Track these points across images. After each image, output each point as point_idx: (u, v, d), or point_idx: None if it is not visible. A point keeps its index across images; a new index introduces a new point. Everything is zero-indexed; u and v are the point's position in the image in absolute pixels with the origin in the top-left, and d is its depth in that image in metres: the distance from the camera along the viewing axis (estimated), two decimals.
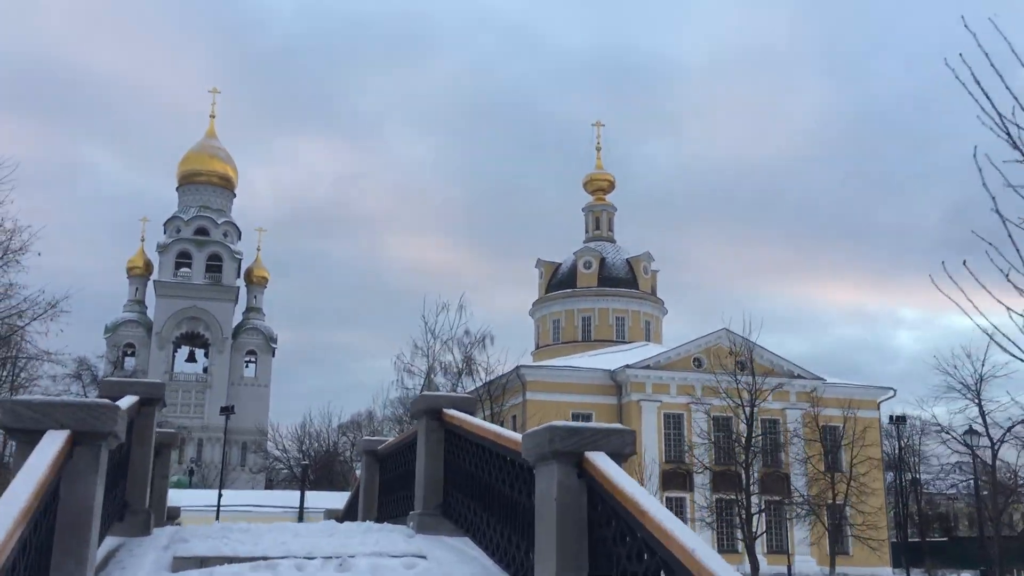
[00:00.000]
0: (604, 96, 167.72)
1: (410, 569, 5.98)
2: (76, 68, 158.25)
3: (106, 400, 4.46)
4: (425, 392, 8.73)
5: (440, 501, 7.69)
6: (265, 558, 6.16)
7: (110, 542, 6.67)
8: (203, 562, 6.15)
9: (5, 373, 33.83)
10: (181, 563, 6.12)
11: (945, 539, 76.53)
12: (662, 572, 3.82)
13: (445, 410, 7.69)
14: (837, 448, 56.99)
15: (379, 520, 10.05)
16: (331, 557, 6.17)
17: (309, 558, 6.18)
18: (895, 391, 70.37)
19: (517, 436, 5.84)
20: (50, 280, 24.72)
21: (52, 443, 4.07)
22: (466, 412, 7.65)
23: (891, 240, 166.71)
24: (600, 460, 4.55)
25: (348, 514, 12.95)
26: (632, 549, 4.16)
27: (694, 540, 3.51)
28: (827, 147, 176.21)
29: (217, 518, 47.84)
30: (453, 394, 7.70)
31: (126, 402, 6.65)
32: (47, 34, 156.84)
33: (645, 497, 4.02)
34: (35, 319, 23.97)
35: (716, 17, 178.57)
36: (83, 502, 4.38)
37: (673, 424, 67.71)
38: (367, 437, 10.96)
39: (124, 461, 6.97)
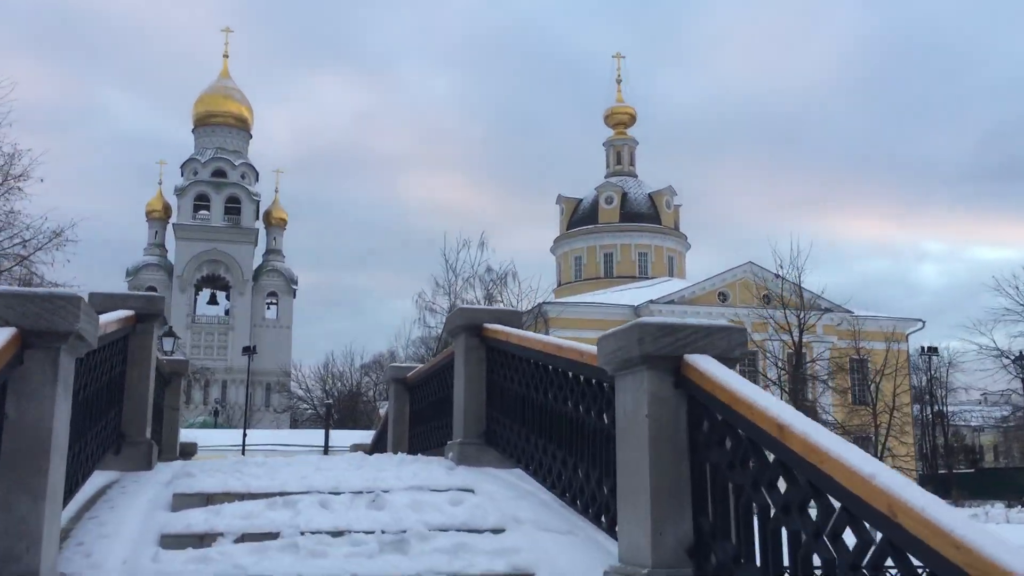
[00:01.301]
0: (625, 26, 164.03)
1: (457, 506, 5.00)
2: (88, 7, 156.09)
3: (67, 290, 3.45)
4: (463, 306, 7.70)
5: (483, 428, 6.72)
6: (282, 493, 5.18)
7: (101, 478, 5.74)
8: (209, 499, 5.17)
9: None
10: (182, 500, 5.15)
11: (972, 470, 75.95)
12: (813, 501, 2.80)
13: (487, 325, 6.67)
14: (866, 381, 56.04)
15: (411, 453, 9.13)
16: (361, 492, 5.19)
17: (335, 493, 5.20)
18: (924, 323, 69.24)
19: (584, 346, 4.80)
20: (62, 216, 23.80)
21: None
22: (512, 327, 6.63)
23: (919, 171, 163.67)
24: (706, 363, 3.51)
25: (376, 448, 12.10)
26: (760, 476, 3.15)
27: (871, 463, 2.48)
28: (856, 75, 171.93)
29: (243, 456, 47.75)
30: (496, 307, 6.76)
31: (118, 315, 5.67)
32: None
33: (779, 406, 2.99)
34: (39, 249, 22.95)
35: None
36: (38, 421, 3.38)
37: None
38: (395, 364, 9.95)
39: (117, 384, 6.02)
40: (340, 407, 72.68)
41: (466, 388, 6.72)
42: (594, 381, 4.64)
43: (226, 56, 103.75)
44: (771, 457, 3.07)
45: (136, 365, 6.34)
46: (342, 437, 56.88)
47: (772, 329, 49.15)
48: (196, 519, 4.67)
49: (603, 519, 4.47)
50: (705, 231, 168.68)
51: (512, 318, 6.86)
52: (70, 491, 4.71)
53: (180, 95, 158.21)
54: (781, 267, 46.79)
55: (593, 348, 4.78)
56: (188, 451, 11.52)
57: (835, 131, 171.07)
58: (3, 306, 3.28)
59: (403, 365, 10.01)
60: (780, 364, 49.96)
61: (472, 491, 5.35)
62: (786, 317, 46.46)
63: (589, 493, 4.69)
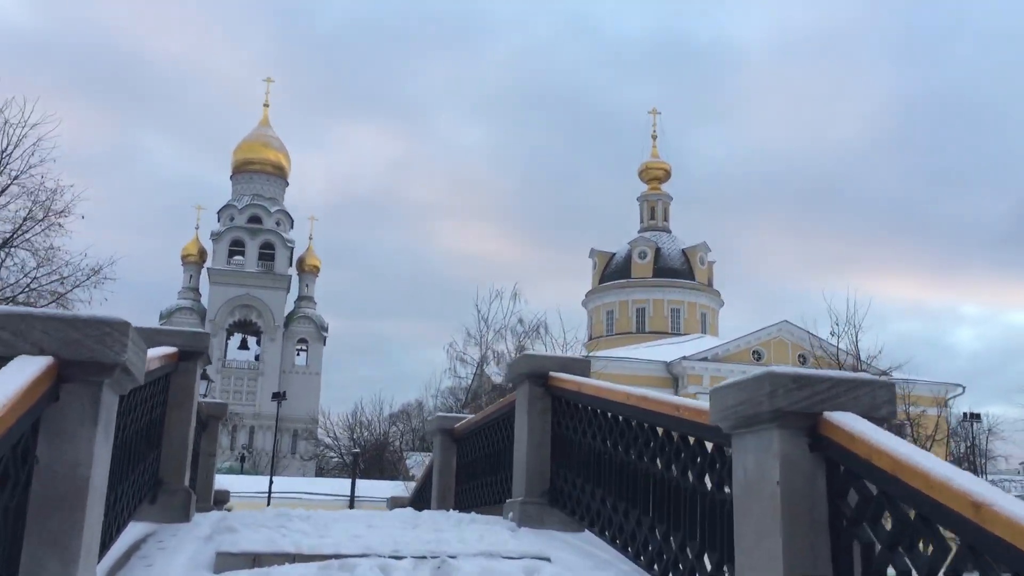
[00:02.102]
0: (661, 82, 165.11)
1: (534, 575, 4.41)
2: (131, 52, 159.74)
3: (113, 316, 2.98)
4: (528, 352, 7.18)
5: (547, 487, 6.13)
6: (337, 556, 4.60)
7: (136, 530, 5.21)
8: (256, 560, 4.59)
9: None
10: (227, 561, 4.58)
11: None
12: None
13: (553, 374, 6.15)
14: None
15: (459, 509, 8.54)
16: (425, 556, 4.61)
17: (396, 557, 4.61)
18: (964, 388, 67.67)
19: (680, 399, 4.26)
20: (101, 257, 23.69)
21: (21, 373, 2.59)
22: (581, 375, 6.10)
23: (954, 234, 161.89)
24: (855, 423, 2.96)
25: (416, 503, 11.50)
26: (937, 562, 2.58)
27: None
28: (892, 135, 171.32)
29: (268, 504, 47.09)
30: (562, 355, 6.27)
31: (161, 351, 5.20)
32: (105, 18, 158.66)
33: (966, 477, 2.44)
34: (77, 286, 22.75)
35: None
36: (74, 468, 2.87)
37: None
38: (441, 413, 9.41)
39: (157, 426, 5.52)
40: (367, 456, 71.99)
41: (529, 441, 6.17)
42: (692, 440, 4.10)
43: (266, 105, 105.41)
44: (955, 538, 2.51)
45: (178, 406, 5.83)
46: (369, 487, 56.12)
47: None
48: None
49: None
50: (737, 288, 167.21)
51: (581, 367, 6.33)
52: (104, 545, 4.22)
53: (219, 141, 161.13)
54: (837, 324, 44.99)
55: (689, 402, 4.23)
56: (221, 499, 11.03)
57: (870, 190, 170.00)
58: (40, 331, 2.77)
59: (450, 415, 9.48)
60: None
61: (548, 559, 4.74)
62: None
63: (687, 568, 4.10)
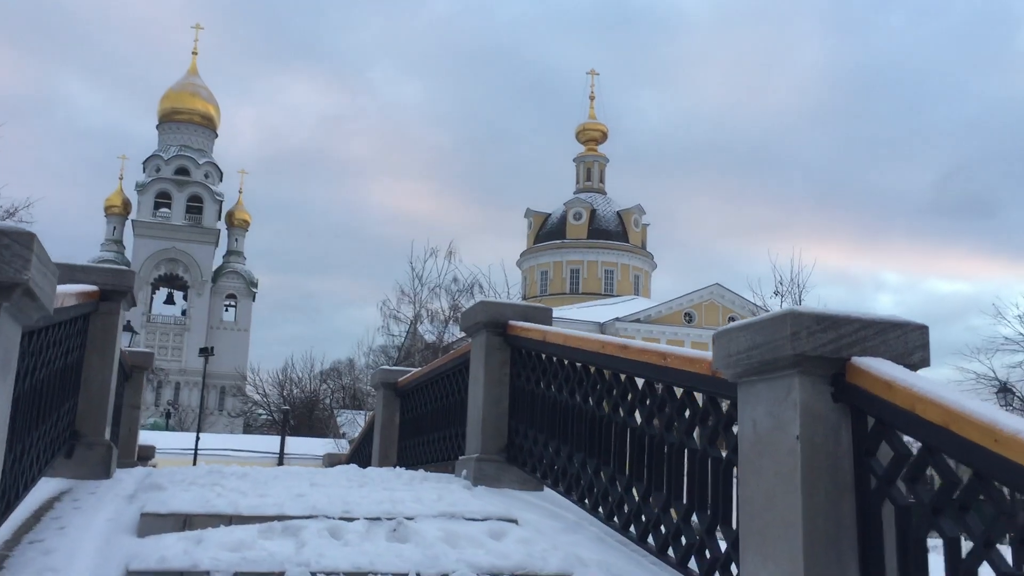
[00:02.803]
0: (600, 44, 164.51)
1: (500, 540, 3.93)
2: None
3: (12, 225, 2.40)
4: (485, 300, 6.62)
5: (505, 443, 5.69)
6: (280, 517, 4.09)
7: (49, 487, 4.61)
8: (187, 522, 4.03)
9: None
10: (153, 523, 4.01)
11: None
12: None
13: (513, 323, 5.71)
14: None
15: (403, 467, 8.09)
16: (379, 519, 4.13)
17: (347, 519, 4.12)
18: None
19: (665, 347, 3.86)
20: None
21: None
22: (543, 324, 5.68)
23: (878, 203, 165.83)
24: (891, 369, 2.59)
25: (354, 460, 11.01)
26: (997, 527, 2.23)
27: None
28: (822, 105, 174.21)
29: (195, 463, 46.05)
30: (521, 303, 5.82)
31: (78, 288, 4.56)
32: None
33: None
34: None
35: None
36: None
37: None
38: (385, 367, 8.90)
39: (74, 372, 4.88)
40: (296, 414, 71.11)
41: (485, 395, 5.73)
42: (679, 391, 3.70)
43: (195, 53, 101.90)
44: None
45: (97, 351, 5.18)
46: (299, 444, 55.31)
47: None
48: (173, 550, 3.55)
49: (699, 565, 3.48)
50: (671, 251, 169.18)
51: (542, 315, 5.90)
52: (8, 504, 3.66)
53: (145, 90, 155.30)
54: (781, 283, 45.51)
55: (677, 349, 3.83)
56: (146, 455, 10.39)
57: (800, 158, 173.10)
58: None
59: (394, 369, 8.98)
60: None
61: (515, 521, 4.31)
62: None
63: (671, 530, 3.73)
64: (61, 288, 4.01)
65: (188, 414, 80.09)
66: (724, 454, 3.43)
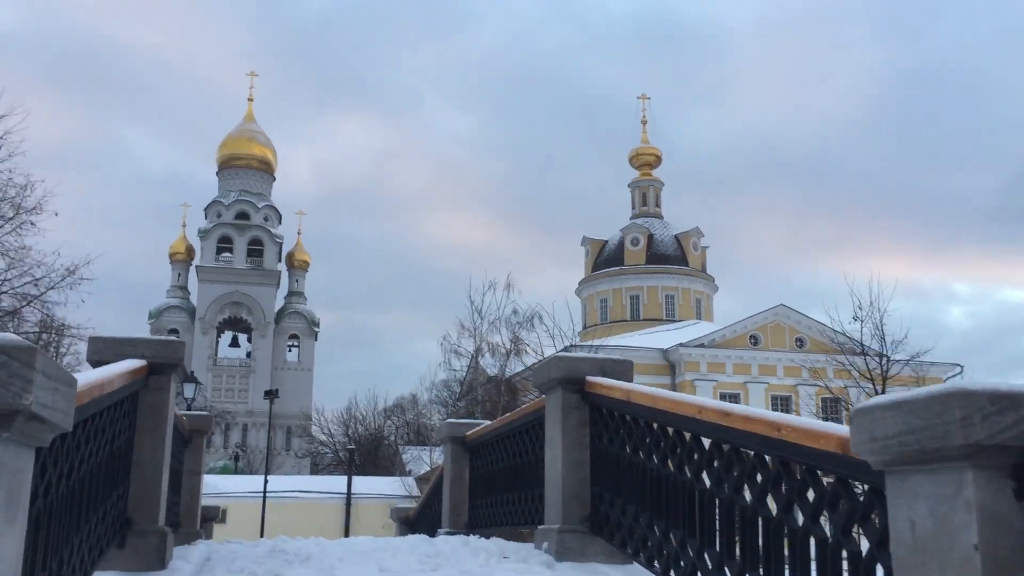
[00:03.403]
0: (649, 64, 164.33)
1: None
2: (113, 45, 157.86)
3: (11, 338, 2.02)
4: (560, 354, 6.06)
5: (587, 512, 5.20)
6: None
7: None
8: None
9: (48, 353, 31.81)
10: None
11: None
12: None
13: (591, 379, 5.24)
14: None
15: (470, 528, 7.62)
16: None
17: None
18: (962, 368, 67.24)
19: (782, 417, 3.35)
20: (82, 254, 22.39)
21: None
22: (622, 380, 5.19)
23: (944, 210, 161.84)
24: None
25: (422, 516, 10.57)
26: None
27: None
28: (880, 112, 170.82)
29: (263, 504, 46.11)
30: (598, 356, 5.33)
31: (123, 367, 4.26)
32: (86, 9, 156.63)
33: None
34: (52, 288, 21.40)
35: None
36: None
37: (730, 403, 65.68)
38: (452, 420, 8.47)
39: (123, 457, 4.56)
40: (362, 452, 71.21)
41: (564, 458, 5.26)
42: (799, 468, 3.18)
43: (251, 100, 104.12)
44: None
45: (148, 431, 4.86)
46: (366, 484, 55.25)
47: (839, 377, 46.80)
48: None
49: None
50: (730, 272, 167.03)
51: (622, 369, 5.41)
52: None
53: (204, 135, 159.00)
54: (860, 307, 43.79)
55: (791, 419, 3.31)
56: (210, 516, 10.07)
57: (860, 168, 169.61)
58: None
59: (461, 421, 8.54)
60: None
61: None
62: (866, 364, 43.48)
63: None
64: (104, 371, 3.66)
65: (256, 456, 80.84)
66: (865, 548, 2.90)
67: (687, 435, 4.16)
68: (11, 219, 20.29)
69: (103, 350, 4.76)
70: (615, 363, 5.47)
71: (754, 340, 65.33)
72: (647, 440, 4.58)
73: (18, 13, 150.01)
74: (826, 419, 64.93)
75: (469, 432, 8.25)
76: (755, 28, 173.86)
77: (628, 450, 4.82)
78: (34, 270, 21.08)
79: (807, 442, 3.10)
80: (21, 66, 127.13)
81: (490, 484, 7.52)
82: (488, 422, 8.74)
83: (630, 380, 5.41)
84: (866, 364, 43.77)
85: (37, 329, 24.89)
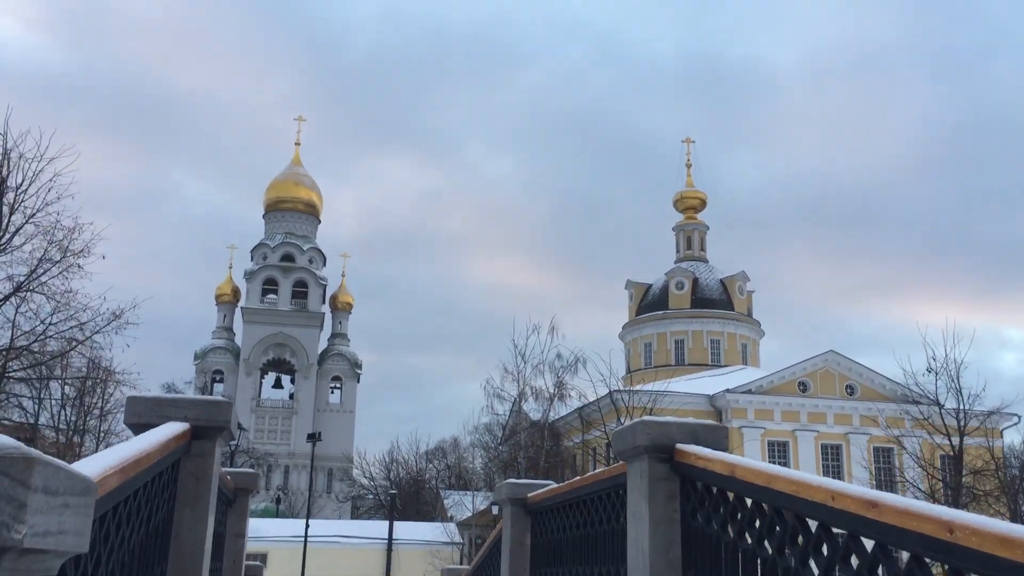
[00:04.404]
0: (693, 106, 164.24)
1: None
2: (163, 89, 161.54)
3: (7, 443, 1.53)
4: (646, 419, 5.45)
5: None
6: None
7: None
8: None
9: (94, 398, 31.77)
10: None
11: None
12: None
13: (682, 447, 4.64)
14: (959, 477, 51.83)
15: None
16: None
17: None
18: (1020, 417, 65.01)
19: (955, 514, 2.73)
20: (129, 297, 22.29)
21: None
22: (716, 448, 4.59)
23: (995, 256, 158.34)
24: None
25: None
26: None
27: None
28: (930, 156, 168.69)
29: (304, 552, 45.58)
30: (689, 422, 4.77)
31: (162, 435, 3.75)
32: (138, 54, 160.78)
33: None
34: (97, 332, 21.23)
35: (814, 20, 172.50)
36: None
37: (778, 452, 64.35)
38: (512, 480, 7.86)
39: (161, 536, 4.04)
40: (403, 495, 70.54)
41: (651, 538, 4.65)
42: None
43: (298, 144, 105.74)
44: None
45: (190, 502, 4.33)
46: (407, 530, 54.54)
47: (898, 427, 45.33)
48: None
49: None
50: (777, 316, 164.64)
51: (715, 436, 4.80)
52: None
53: (250, 177, 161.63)
54: (934, 359, 42.18)
55: (964, 516, 2.70)
56: (255, 574, 9.52)
57: (909, 213, 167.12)
58: None
59: (522, 482, 7.94)
60: (928, 468, 44.87)
61: None
62: (942, 416, 42.03)
63: None
64: (139, 444, 3.16)
65: (298, 498, 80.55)
66: None
67: (816, 524, 3.55)
68: (58, 262, 20.24)
69: (143, 412, 4.29)
70: (708, 429, 4.85)
71: (803, 387, 63.92)
72: (757, 523, 3.96)
73: (72, 57, 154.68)
74: (879, 470, 62.81)
75: (531, 494, 7.63)
76: (803, 69, 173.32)
77: (732, 534, 4.20)
78: (80, 314, 20.95)
79: (994, 550, 2.47)
80: (74, 109, 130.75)
81: (556, 554, 6.90)
82: (551, 482, 8.13)
83: (725, 447, 4.79)
84: (941, 417, 42.32)
85: (83, 373, 24.81)
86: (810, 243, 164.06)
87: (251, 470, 9.38)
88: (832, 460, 63.63)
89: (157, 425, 4.16)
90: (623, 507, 5.45)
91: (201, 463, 4.53)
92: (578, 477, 6.50)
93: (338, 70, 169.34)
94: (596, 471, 6.39)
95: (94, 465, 2.34)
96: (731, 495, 4.26)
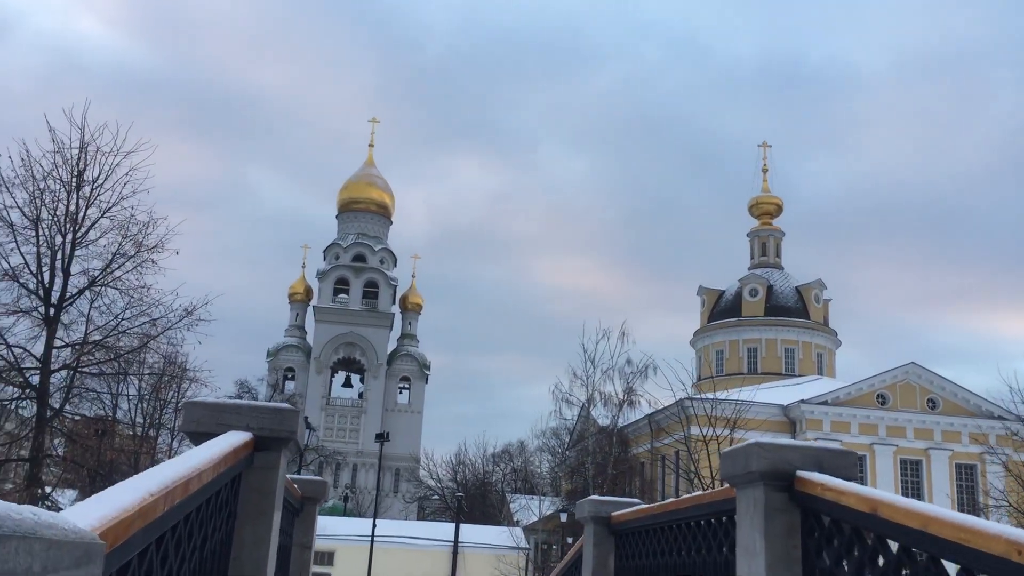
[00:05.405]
0: (769, 107, 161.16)
1: None
2: (241, 89, 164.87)
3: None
4: (761, 441, 4.91)
5: None
6: None
7: None
8: None
9: (169, 393, 32.16)
10: None
11: None
12: None
13: (803, 475, 4.05)
14: None
15: None
16: None
17: None
18: None
19: None
20: (202, 293, 22.28)
21: None
22: (844, 478, 3.99)
23: None
24: None
25: None
26: None
27: None
28: (1018, 162, 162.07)
29: (371, 552, 45.63)
30: (812, 446, 4.23)
31: (221, 448, 3.31)
32: (216, 54, 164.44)
33: None
34: (169, 328, 21.23)
35: (898, 19, 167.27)
36: None
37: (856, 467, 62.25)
38: (595, 497, 7.30)
39: (218, 557, 3.62)
40: (469, 497, 70.35)
41: (768, 574, 4.07)
42: None
43: (371, 145, 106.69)
44: None
45: (251, 520, 3.88)
46: (473, 533, 54.27)
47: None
48: None
49: None
50: (853, 325, 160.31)
51: (843, 464, 4.19)
52: None
53: (323, 176, 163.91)
54: None
55: None
56: None
57: (995, 219, 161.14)
58: None
59: (606, 499, 7.38)
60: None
61: None
62: None
63: None
64: (197, 456, 2.69)
65: (365, 496, 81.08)
66: None
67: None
68: (132, 257, 20.31)
69: (202, 419, 3.88)
70: (834, 456, 4.23)
71: (882, 399, 61.88)
72: (906, 571, 3.36)
73: (151, 55, 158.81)
74: (959, 487, 60.20)
75: (616, 513, 7.06)
76: (887, 71, 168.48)
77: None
78: (152, 310, 21.00)
79: None
80: (153, 106, 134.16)
81: None
82: (637, 501, 7.55)
83: (853, 476, 4.18)
84: None
85: (158, 369, 24.98)
86: (890, 250, 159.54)
87: (319, 478, 9.01)
88: (912, 476, 61.44)
89: (216, 434, 3.75)
90: (726, 536, 4.87)
91: (265, 477, 4.09)
92: (671, 499, 5.95)
93: (412, 70, 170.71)
94: (693, 494, 5.81)
95: (118, 500, 1.88)
96: (869, 535, 3.65)
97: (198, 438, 3.85)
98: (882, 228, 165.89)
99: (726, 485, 4.90)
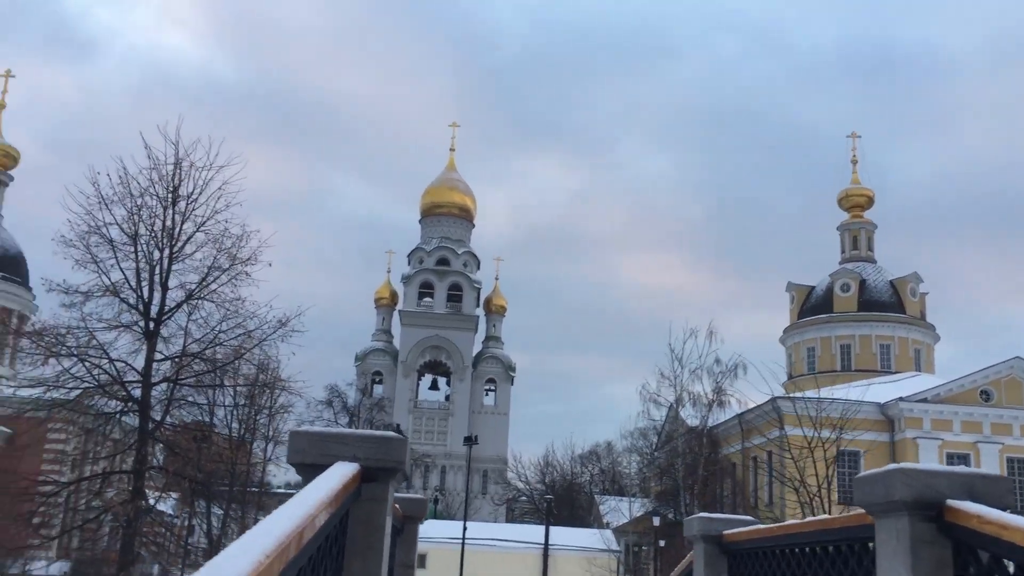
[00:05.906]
0: (858, 95, 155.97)
1: None
2: (322, 96, 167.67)
3: None
4: (905, 466, 4.46)
5: None
6: None
7: None
8: None
9: (264, 400, 32.79)
10: None
11: None
12: None
13: (954, 504, 3.68)
14: None
15: None
16: None
17: None
18: None
19: None
20: (292, 303, 22.62)
21: None
22: (997, 507, 3.61)
23: None
24: None
25: None
26: None
27: None
28: None
29: (462, 554, 45.80)
30: (961, 471, 3.89)
31: (329, 487, 3.10)
32: (298, 61, 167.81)
33: None
34: (263, 340, 21.53)
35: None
36: None
37: (958, 465, 59.68)
38: (705, 515, 6.94)
39: None
40: (557, 499, 70.12)
41: None
42: None
43: (452, 150, 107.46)
44: None
45: (359, 554, 3.69)
46: (563, 535, 54.05)
47: None
48: None
49: None
50: (952, 319, 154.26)
51: (998, 492, 3.81)
52: None
53: (405, 179, 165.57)
54: None
55: None
56: None
57: None
58: None
59: (716, 517, 7.04)
60: None
61: None
62: None
63: None
64: (305, 504, 2.51)
65: (454, 498, 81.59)
66: None
67: None
68: (227, 270, 20.65)
69: (307, 449, 3.73)
70: (987, 482, 3.83)
71: (985, 396, 59.30)
72: None
73: (237, 67, 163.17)
74: None
75: (728, 531, 6.71)
76: (982, 54, 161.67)
77: None
78: (247, 321, 21.33)
79: None
80: (239, 117, 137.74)
81: None
82: (753, 519, 7.17)
83: (1010, 504, 3.78)
84: None
85: (252, 380, 25.43)
86: (989, 241, 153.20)
87: (419, 496, 8.90)
88: (1020, 475, 58.74)
89: (322, 465, 3.60)
90: (859, 566, 4.51)
91: (373, 509, 3.92)
92: (794, 521, 5.59)
93: (488, 71, 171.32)
94: (821, 517, 5.44)
95: (231, 570, 1.70)
96: None
97: (304, 469, 3.72)
98: (980, 217, 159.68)
99: (856, 509, 4.53)
